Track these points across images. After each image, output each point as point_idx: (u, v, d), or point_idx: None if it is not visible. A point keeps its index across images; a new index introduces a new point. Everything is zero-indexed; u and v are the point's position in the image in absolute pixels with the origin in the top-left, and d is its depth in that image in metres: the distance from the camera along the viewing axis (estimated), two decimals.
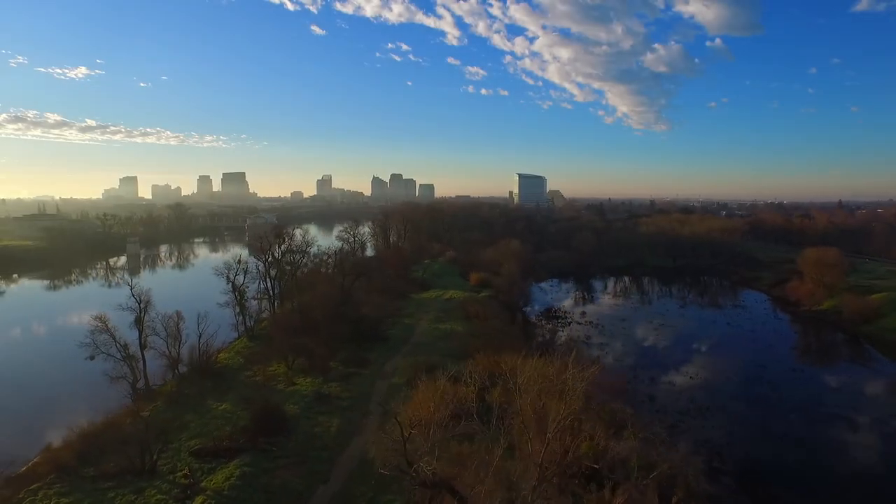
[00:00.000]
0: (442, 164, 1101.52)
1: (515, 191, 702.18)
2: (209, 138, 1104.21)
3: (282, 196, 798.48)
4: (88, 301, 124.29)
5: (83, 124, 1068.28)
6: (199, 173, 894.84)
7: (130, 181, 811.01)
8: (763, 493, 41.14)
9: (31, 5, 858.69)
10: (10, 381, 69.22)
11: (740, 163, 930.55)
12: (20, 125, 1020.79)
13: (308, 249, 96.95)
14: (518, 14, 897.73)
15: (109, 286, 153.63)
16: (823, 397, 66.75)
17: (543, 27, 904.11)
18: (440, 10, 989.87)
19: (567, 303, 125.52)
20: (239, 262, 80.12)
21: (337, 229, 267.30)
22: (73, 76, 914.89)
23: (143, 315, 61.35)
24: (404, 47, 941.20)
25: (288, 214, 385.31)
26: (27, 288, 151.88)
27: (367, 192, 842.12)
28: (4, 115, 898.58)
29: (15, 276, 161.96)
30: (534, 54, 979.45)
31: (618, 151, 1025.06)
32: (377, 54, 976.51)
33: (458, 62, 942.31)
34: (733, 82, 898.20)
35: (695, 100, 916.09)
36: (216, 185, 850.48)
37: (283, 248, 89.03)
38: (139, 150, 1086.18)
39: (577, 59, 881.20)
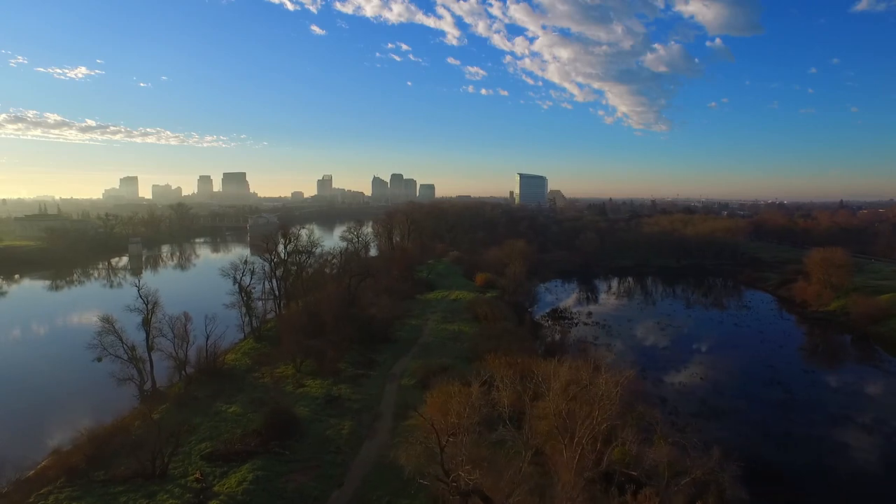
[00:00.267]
0: (442, 164, 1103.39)
1: (516, 191, 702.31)
2: (209, 138, 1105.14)
3: (282, 196, 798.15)
4: (92, 302, 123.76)
5: (83, 124, 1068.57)
6: (199, 173, 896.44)
7: (131, 181, 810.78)
8: (783, 497, 40.58)
9: (31, 5, 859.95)
10: (17, 381, 68.71)
11: (740, 163, 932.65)
12: (20, 125, 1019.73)
13: (314, 250, 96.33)
14: (518, 14, 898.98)
15: (112, 286, 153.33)
16: (836, 399, 66.14)
17: (543, 27, 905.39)
18: (440, 10, 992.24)
19: (572, 303, 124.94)
20: (245, 262, 79.56)
21: (338, 229, 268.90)
22: (73, 76, 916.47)
23: (150, 316, 60.82)
24: (404, 47, 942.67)
25: (289, 214, 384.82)
26: (30, 288, 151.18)
27: (368, 192, 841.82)
28: (4, 115, 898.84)
29: (17, 276, 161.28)
30: (534, 54, 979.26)
31: (618, 151, 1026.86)
32: (377, 54, 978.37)
33: (458, 62, 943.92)
34: (733, 82, 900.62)
35: (695, 100, 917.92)
36: (216, 185, 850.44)
37: (289, 248, 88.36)
38: (139, 150, 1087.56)
39: (577, 59, 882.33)
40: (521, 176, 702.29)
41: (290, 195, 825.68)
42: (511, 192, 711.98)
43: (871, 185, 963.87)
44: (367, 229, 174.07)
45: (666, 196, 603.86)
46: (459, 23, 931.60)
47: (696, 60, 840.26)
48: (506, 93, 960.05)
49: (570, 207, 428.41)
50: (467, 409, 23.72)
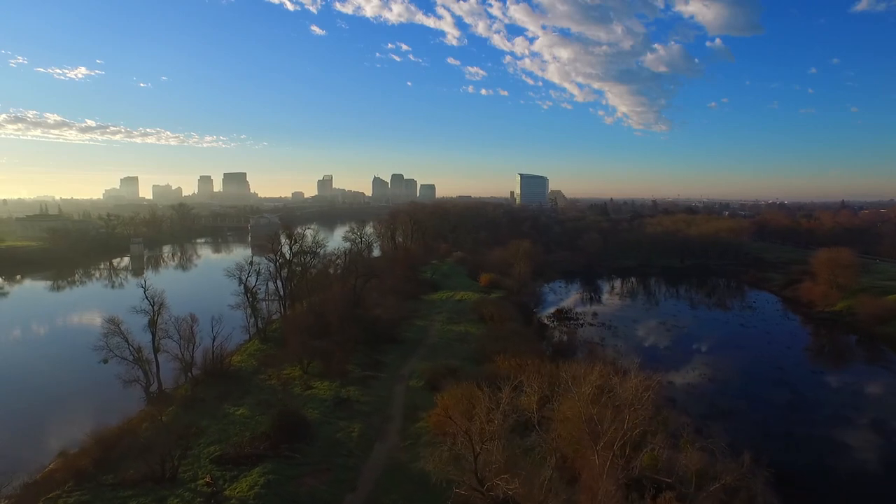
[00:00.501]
0: (442, 165, 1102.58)
1: (517, 191, 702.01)
2: (209, 138, 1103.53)
3: (282, 196, 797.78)
4: (95, 302, 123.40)
5: (83, 124, 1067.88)
6: (199, 174, 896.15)
7: (131, 181, 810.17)
8: (799, 500, 40.09)
9: (31, 5, 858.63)
10: (18, 382, 68.38)
11: (740, 163, 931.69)
12: (20, 125, 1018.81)
13: (318, 250, 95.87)
14: (518, 14, 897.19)
15: (113, 287, 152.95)
16: (847, 400, 65.61)
17: (543, 27, 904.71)
18: (440, 11, 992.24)
19: (577, 304, 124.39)
20: (251, 263, 79.09)
21: (340, 229, 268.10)
22: (73, 76, 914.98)
23: (156, 317, 60.26)
24: (404, 47, 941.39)
25: (291, 215, 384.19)
26: (32, 289, 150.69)
27: (368, 192, 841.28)
28: (4, 116, 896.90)
29: (18, 276, 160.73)
30: (534, 54, 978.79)
31: (618, 152, 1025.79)
32: (377, 54, 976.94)
33: (458, 62, 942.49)
34: (733, 82, 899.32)
35: (695, 100, 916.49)
36: (217, 186, 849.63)
37: (294, 248, 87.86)
38: (139, 150, 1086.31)
39: (577, 60, 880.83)
40: (522, 176, 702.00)
41: (290, 195, 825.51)
42: (511, 193, 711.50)
43: (871, 186, 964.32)
44: (369, 229, 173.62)
45: (666, 196, 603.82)
46: (459, 23, 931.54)
47: (696, 60, 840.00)
48: (506, 93, 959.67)
49: (571, 207, 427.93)
50: (498, 415, 23.10)
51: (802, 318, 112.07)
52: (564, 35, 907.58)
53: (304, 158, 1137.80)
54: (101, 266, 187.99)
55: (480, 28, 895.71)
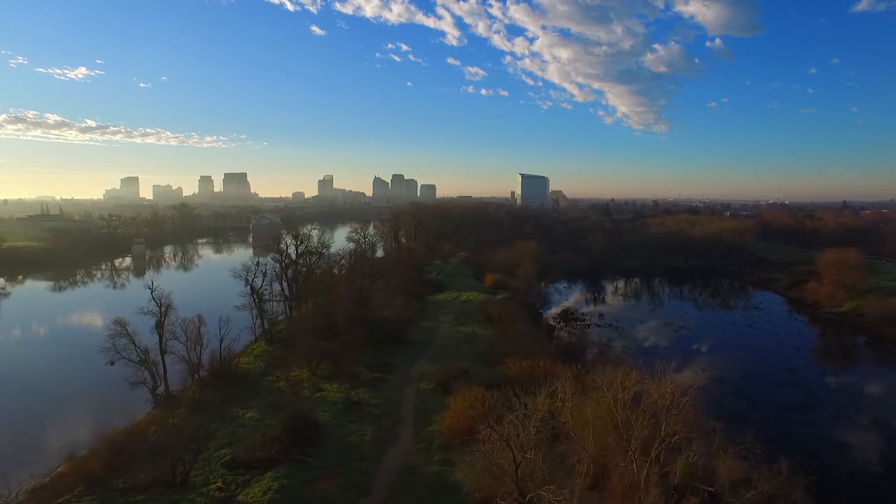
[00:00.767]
0: (443, 165, 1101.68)
1: (517, 191, 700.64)
2: (209, 139, 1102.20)
3: (283, 196, 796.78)
4: (98, 303, 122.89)
5: (83, 125, 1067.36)
6: (200, 174, 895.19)
7: (132, 181, 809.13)
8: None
9: (31, 5, 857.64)
10: (19, 382, 67.93)
11: (740, 163, 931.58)
12: (20, 126, 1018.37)
13: (324, 251, 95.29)
14: (518, 14, 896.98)
15: (115, 287, 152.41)
16: (859, 402, 65.17)
17: (543, 27, 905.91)
18: (440, 11, 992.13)
19: (582, 304, 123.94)
20: (257, 264, 78.58)
21: (341, 229, 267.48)
22: (73, 76, 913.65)
23: (163, 319, 59.73)
24: (404, 48, 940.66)
25: (292, 215, 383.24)
26: (35, 289, 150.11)
27: (369, 192, 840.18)
28: (4, 116, 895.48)
29: (20, 277, 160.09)
30: (534, 54, 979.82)
31: (618, 152, 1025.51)
32: (377, 54, 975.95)
33: (458, 62, 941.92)
34: (733, 82, 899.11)
35: (695, 100, 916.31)
36: (217, 186, 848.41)
37: (300, 248, 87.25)
38: (139, 150, 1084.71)
39: (576, 60, 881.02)
40: (523, 176, 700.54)
41: (290, 195, 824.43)
42: (512, 193, 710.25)
43: (871, 186, 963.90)
44: (371, 230, 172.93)
45: (667, 196, 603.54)
46: (459, 23, 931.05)
47: (696, 60, 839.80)
48: (506, 93, 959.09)
49: (573, 208, 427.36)
50: (535, 422, 22.41)
51: (809, 318, 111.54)
52: (564, 35, 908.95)
53: (305, 158, 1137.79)
54: (103, 266, 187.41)
55: (480, 28, 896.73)
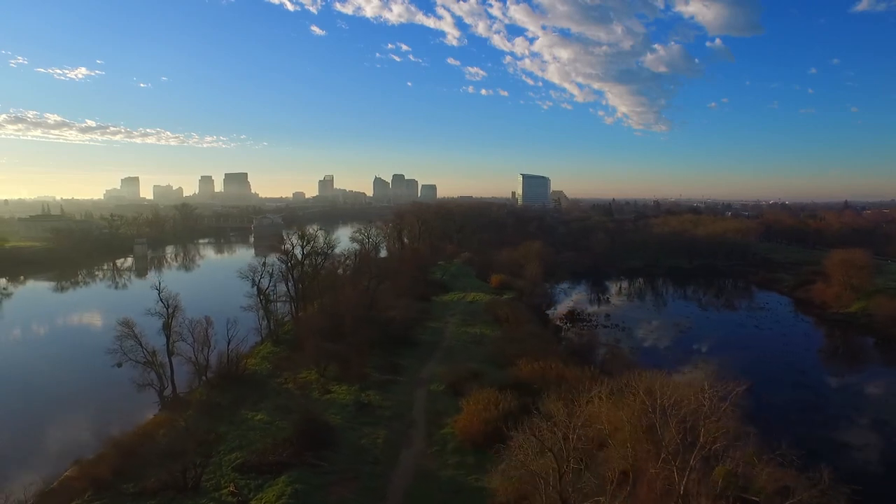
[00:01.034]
0: (443, 165, 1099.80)
1: (518, 191, 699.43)
2: (209, 139, 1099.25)
3: (283, 196, 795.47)
4: (100, 303, 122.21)
5: (83, 125, 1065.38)
6: (200, 174, 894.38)
7: (132, 182, 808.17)
8: None
9: (31, 5, 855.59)
10: (19, 382, 67.34)
11: (740, 163, 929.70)
12: (20, 126, 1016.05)
13: (330, 251, 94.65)
14: (518, 14, 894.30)
15: (118, 288, 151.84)
16: (872, 404, 64.51)
17: (543, 27, 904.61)
18: (440, 11, 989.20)
19: (587, 305, 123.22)
20: (264, 264, 77.95)
21: (342, 230, 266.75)
22: (73, 77, 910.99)
23: (170, 320, 59.08)
24: (404, 48, 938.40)
25: (293, 215, 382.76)
26: (36, 290, 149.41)
27: (369, 192, 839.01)
28: (4, 116, 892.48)
29: (21, 277, 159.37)
30: (534, 55, 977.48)
31: (618, 152, 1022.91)
32: (377, 55, 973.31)
33: (458, 62, 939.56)
34: (733, 82, 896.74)
35: (695, 100, 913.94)
36: (218, 186, 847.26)
37: (306, 249, 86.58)
38: (139, 150, 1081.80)
39: (577, 60, 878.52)
40: (524, 176, 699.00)
41: (291, 196, 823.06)
42: (513, 193, 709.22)
43: (871, 186, 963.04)
44: (374, 230, 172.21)
45: (667, 196, 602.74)
46: (459, 23, 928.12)
47: (696, 60, 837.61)
48: (506, 93, 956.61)
49: (574, 208, 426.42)
50: (577, 430, 21.68)
51: (816, 319, 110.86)
52: (564, 35, 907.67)
53: (305, 158, 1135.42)
54: (105, 266, 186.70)
55: (480, 28, 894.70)
